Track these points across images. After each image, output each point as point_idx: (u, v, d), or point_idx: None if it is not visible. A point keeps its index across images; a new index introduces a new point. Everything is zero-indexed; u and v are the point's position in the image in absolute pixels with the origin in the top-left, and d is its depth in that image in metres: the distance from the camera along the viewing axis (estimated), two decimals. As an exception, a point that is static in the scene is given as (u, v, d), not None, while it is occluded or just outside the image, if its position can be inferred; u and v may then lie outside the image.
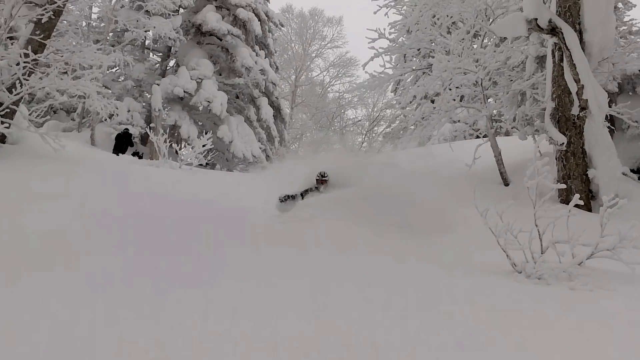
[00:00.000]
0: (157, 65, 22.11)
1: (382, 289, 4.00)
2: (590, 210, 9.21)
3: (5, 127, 9.20)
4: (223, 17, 21.76)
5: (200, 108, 20.51)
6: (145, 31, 18.99)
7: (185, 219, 6.77)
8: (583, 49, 9.38)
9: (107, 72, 18.69)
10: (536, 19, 9.29)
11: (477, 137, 13.67)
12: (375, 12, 12.84)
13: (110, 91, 15.93)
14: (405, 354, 2.81)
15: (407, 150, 15.28)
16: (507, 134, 14.33)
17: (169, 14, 19.06)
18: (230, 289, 3.68)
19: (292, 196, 7.65)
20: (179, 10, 21.18)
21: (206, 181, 11.55)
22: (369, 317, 3.27)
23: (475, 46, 11.90)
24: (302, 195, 7.74)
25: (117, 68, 20.25)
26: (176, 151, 15.10)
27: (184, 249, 5.10)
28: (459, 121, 19.40)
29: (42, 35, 9.59)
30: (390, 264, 5.01)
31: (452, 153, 11.92)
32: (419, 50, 15.47)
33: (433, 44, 12.46)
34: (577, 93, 9.35)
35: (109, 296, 3.40)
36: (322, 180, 7.84)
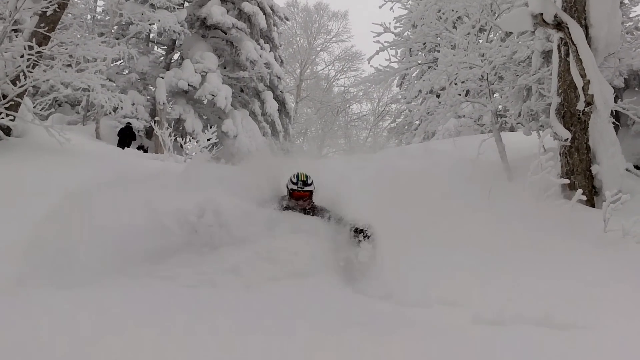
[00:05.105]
0: (162, 58, 22.11)
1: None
2: (593, 205, 9.14)
3: (10, 120, 9.22)
4: (228, 11, 21.70)
5: (205, 102, 20.50)
6: (150, 24, 19.00)
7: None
8: (589, 44, 9.30)
9: (112, 65, 18.66)
10: (542, 14, 9.22)
11: (482, 132, 13.61)
12: (380, 7, 12.80)
13: (114, 84, 15.96)
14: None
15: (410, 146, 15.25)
16: (512, 129, 14.27)
17: (174, 7, 19.05)
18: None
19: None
20: (184, 4, 21.16)
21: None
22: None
23: (481, 41, 11.82)
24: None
25: (122, 61, 20.23)
26: (181, 145, 15.14)
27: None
28: (464, 116, 19.32)
29: (47, 28, 9.58)
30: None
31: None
32: (424, 44, 15.43)
33: (438, 38, 12.40)
34: (583, 88, 9.28)
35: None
36: (302, 192, 4.29)
